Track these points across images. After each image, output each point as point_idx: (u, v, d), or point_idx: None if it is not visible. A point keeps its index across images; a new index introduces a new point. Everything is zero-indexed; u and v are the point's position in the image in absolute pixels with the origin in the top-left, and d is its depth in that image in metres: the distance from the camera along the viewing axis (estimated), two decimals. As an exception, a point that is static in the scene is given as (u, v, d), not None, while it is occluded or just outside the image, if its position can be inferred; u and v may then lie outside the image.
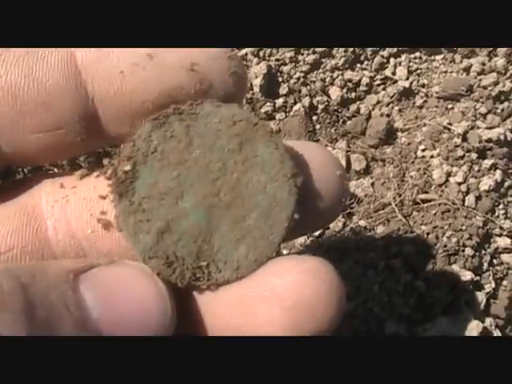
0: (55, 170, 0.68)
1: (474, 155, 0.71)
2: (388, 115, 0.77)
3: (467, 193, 0.70)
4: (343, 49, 0.75)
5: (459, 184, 0.70)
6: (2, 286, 0.22)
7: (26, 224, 0.28)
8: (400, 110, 0.77)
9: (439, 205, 0.69)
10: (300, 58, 0.75)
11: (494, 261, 0.69)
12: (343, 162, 0.74)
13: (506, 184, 0.71)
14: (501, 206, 0.71)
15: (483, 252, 0.68)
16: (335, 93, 0.76)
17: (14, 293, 0.22)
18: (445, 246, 0.66)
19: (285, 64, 0.75)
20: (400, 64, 0.78)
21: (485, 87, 0.74)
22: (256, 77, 0.73)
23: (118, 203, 0.28)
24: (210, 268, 0.28)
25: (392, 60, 0.77)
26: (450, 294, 0.65)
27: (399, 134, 0.76)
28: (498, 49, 0.75)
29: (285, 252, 0.67)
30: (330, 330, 0.27)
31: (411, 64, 0.77)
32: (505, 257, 0.69)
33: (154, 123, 0.28)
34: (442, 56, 0.77)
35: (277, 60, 0.75)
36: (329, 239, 0.69)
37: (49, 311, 0.23)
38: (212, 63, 0.28)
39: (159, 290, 0.26)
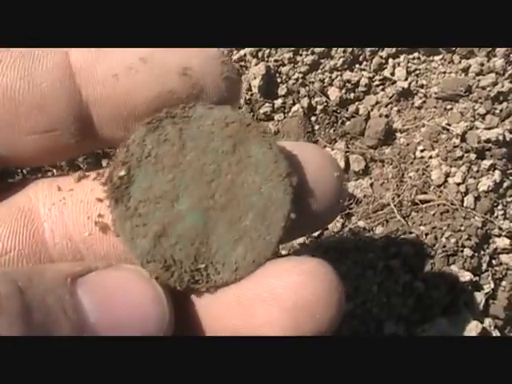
0: (54, 170, 0.68)
1: (472, 156, 0.71)
2: (387, 116, 0.77)
3: (466, 193, 0.70)
4: (342, 49, 0.75)
5: (458, 184, 0.70)
6: None
7: (22, 227, 0.28)
8: (399, 111, 0.77)
9: (438, 205, 0.69)
10: (299, 58, 0.75)
11: (493, 261, 0.69)
12: (342, 163, 0.74)
13: (505, 184, 0.71)
14: (500, 207, 0.70)
15: (482, 252, 0.68)
16: (334, 93, 0.76)
17: (11, 297, 0.22)
18: (444, 247, 0.66)
19: (283, 65, 0.75)
20: (399, 65, 0.78)
21: (483, 88, 0.74)
22: (255, 77, 0.73)
23: (114, 209, 0.28)
24: (209, 270, 0.28)
25: (391, 61, 0.77)
26: (448, 295, 0.65)
27: (398, 134, 0.76)
28: (497, 49, 0.75)
29: (284, 253, 0.67)
30: (330, 330, 0.27)
31: (410, 65, 0.77)
32: (504, 257, 0.69)
33: (147, 127, 0.28)
34: (440, 56, 0.77)
35: (275, 61, 0.75)
36: (328, 240, 0.69)
37: (46, 315, 0.23)
38: (205, 68, 0.28)
39: (157, 293, 0.26)
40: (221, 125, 0.28)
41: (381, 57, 0.77)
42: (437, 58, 0.77)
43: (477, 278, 0.66)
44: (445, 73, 0.77)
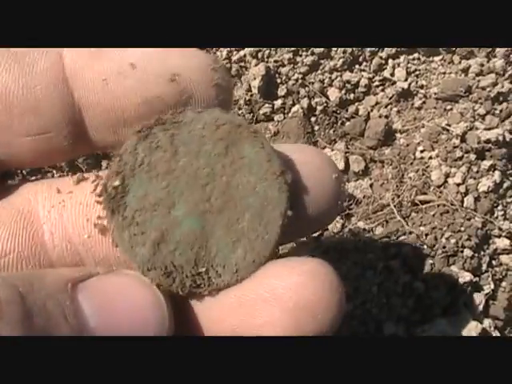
0: (54, 171, 0.68)
1: (472, 156, 0.71)
2: (387, 116, 0.77)
3: (466, 194, 0.69)
4: (342, 50, 0.75)
5: (458, 185, 0.70)
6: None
7: (22, 229, 0.28)
8: (399, 111, 0.77)
9: (438, 206, 0.69)
10: (298, 59, 0.75)
11: (493, 262, 0.69)
12: (342, 164, 0.74)
13: (505, 185, 0.71)
14: (500, 207, 0.70)
15: (482, 253, 0.68)
16: (334, 94, 0.76)
17: (12, 302, 0.22)
18: (443, 247, 0.66)
19: (283, 65, 0.75)
20: (398, 65, 0.78)
21: (483, 88, 0.74)
22: (254, 78, 0.73)
23: (111, 219, 0.28)
24: (210, 273, 0.28)
25: (390, 61, 0.77)
26: (448, 295, 0.65)
27: (398, 135, 0.76)
28: (497, 50, 0.75)
29: (284, 254, 0.67)
30: (331, 330, 0.27)
31: (410, 65, 0.77)
32: (504, 258, 0.69)
33: (138, 136, 0.28)
34: (440, 57, 0.77)
35: (275, 61, 0.75)
36: (327, 240, 0.69)
37: (46, 320, 0.23)
38: (194, 74, 0.28)
39: (156, 298, 0.26)
40: (211, 128, 0.28)
41: (380, 57, 0.77)
42: (437, 58, 0.77)
43: (477, 278, 0.66)
44: (445, 73, 0.77)
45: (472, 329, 0.62)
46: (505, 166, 0.72)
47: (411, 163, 0.73)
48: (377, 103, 0.77)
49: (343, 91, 0.76)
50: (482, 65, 0.75)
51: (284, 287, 0.27)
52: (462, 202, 0.69)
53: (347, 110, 0.77)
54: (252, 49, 0.73)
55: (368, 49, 0.76)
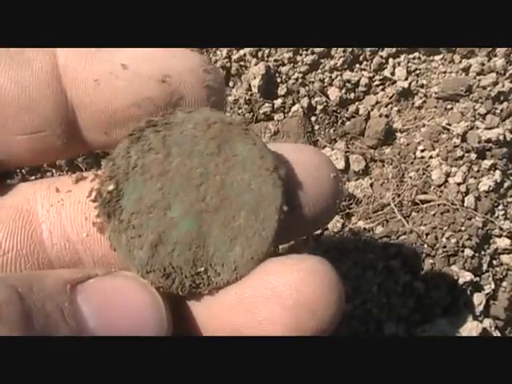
0: (53, 170, 0.68)
1: (473, 156, 0.70)
2: (387, 116, 0.77)
3: (466, 193, 0.69)
4: (342, 49, 0.75)
5: (458, 184, 0.70)
6: None
7: (21, 228, 0.28)
8: (399, 111, 0.77)
9: (438, 205, 0.69)
10: (298, 58, 0.75)
11: (494, 262, 0.68)
12: (342, 163, 0.73)
13: (506, 184, 0.71)
14: (500, 207, 0.70)
15: (483, 253, 0.68)
16: (334, 93, 0.76)
17: (11, 303, 0.22)
18: (444, 247, 0.66)
19: (283, 64, 0.75)
20: (399, 64, 0.77)
21: (484, 87, 0.74)
22: (254, 77, 0.73)
23: (107, 224, 0.28)
24: (209, 273, 0.28)
25: (391, 60, 0.77)
26: (449, 295, 0.65)
27: (398, 134, 0.76)
28: (498, 49, 0.75)
29: (283, 252, 0.67)
30: (331, 328, 0.27)
31: (410, 64, 0.77)
32: (504, 258, 0.69)
33: (130, 139, 0.28)
34: (441, 56, 0.77)
35: (275, 60, 0.74)
36: (328, 240, 0.69)
37: (45, 321, 0.23)
38: (185, 76, 0.28)
39: (155, 300, 0.27)
40: (203, 127, 0.28)
41: (381, 56, 0.77)
42: (437, 57, 0.77)
43: (477, 278, 0.66)
44: (445, 72, 0.77)
45: (472, 329, 0.62)
46: (505, 165, 0.72)
47: (411, 163, 0.73)
48: (377, 102, 0.77)
49: (343, 90, 0.76)
50: (483, 64, 0.74)
51: (284, 284, 0.27)
52: (463, 201, 0.69)
53: (347, 110, 0.77)
54: (252, 48, 0.73)
55: (368, 48, 0.76)
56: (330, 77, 0.76)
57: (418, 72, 0.77)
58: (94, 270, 0.27)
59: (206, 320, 0.29)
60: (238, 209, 0.28)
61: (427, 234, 0.67)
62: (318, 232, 0.69)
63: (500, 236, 0.69)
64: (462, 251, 0.66)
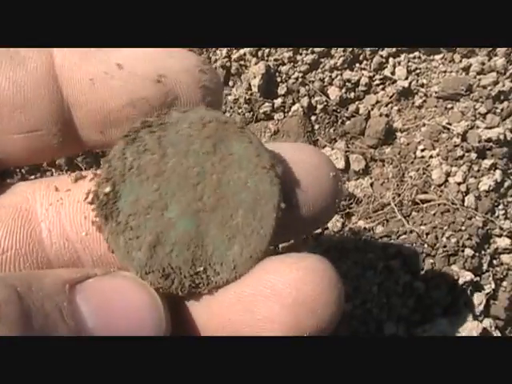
0: (53, 170, 0.68)
1: (473, 155, 0.70)
2: (387, 115, 0.77)
3: (467, 193, 0.69)
4: (342, 49, 0.75)
5: (459, 184, 0.70)
6: None
7: (20, 227, 0.28)
8: (399, 110, 0.77)
9: (438, 205, 0.69)
10: (298, 57, 0.75)
11: (494, 261, 0.68)
12: (342, 163, 0.73)
13: (506, 184, 0.71)
14: (501, 207, 0.70)
15: (483, 252, 0.67)
16: (334, 93, 0.76)
17: (10, 302, 0.22)
18: (444, 247, 0.66)
19: (283, 64, 0.75)
20: (399, 64, 0.77)
21: (484, 87, 0.74)
22: (254, 77, 0.73)
23: (104, 226, 0.28)
24: (208, 272, 0.28)
25: (391, 60, 0.77)
26: (449, 295, 0.65)
27: (398, 134, 0.76)
28: (498, 48, 0.74)
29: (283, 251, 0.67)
30: (330, 327, 0.27)
31: (410, 64, 0.77)
32: (505, 257, 0.69)
33: (125, 140, 0.28)
34: (441, 56, 0.77)
35: (275, 60, 0.74)
36: (328, 239, 0.68)
37: (44, 320, 0.23)
38: (180, 76, 0.28)
39: (153, 300, 0.27)
40: (198, 126, 0.28)
41: (381, 56, 0.77)
42: (437, 57, 0.77)
43: (477, 278, 0.66)
44: (445, 72, 0.76)
45: (473, 329, 0.62)
46: (506, 165, 0.72)
47: (412, 162, 0.73)
48: (377, 102, 0.77)
49: (343, 90, 0.76)
50: (483, 63, 0.74)
51: (283, 283, 0.27)
52: (463, 201, 0.69)
53: (347, 109, 0.77)
54: (252, 47, 0.73)
55: (368, 48, 0.76)
56: (330, 76, 0.76)
57: (418, 71, 0.77)
58: (93, 270, 0.27)
59: (206, 319, 0.29)
60: (235, 207, 0.28)
61: (427, 234, 0.67)
62: (318, 231, 0.69)
63: (500, 236, 0.69)
64: (463, 251, 0.66)
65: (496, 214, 0.70)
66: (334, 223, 0.69)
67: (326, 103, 0.75)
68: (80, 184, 0.30)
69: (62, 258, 0.29)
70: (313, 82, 0.75)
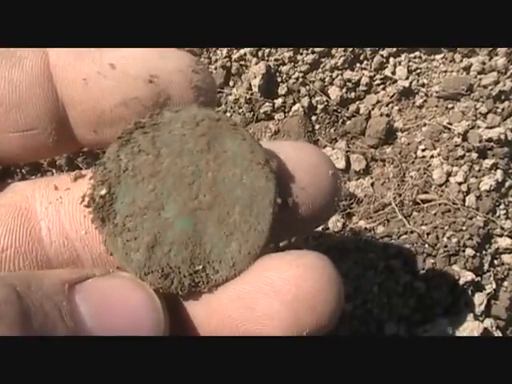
0: (53, 170, 0.68)
1: (474, 155, 0.70)
2: (388, 115, 0.76)
3: (468, 193, 0.69)
4: (342, 48, 0.75)
5: (459, 184, 0.69)
6: None
7: (19, 225, 0.28)
8: (400, 110, 0.77)
9: (439, 205, 0.69)
10: (299, 57, 0.75)
11: (495, 261, 0.68)
12: (343, 162, 0.73)
13: (507, 184, 0.71)
14: (502, 206, 0.70)
15: (484, 252, 0.67)
16: (334, 93, 0.76)
17: (9, 301, 0.22)
18: (445, 247, 0.66)
19: (284, 64, 0.75)
20: (400, 63, 0.77)
21: (485, 86, 0.74)
22: (255, 77, 0.73)
23: (102, 228, 0.28)
24: (207, 270, 0.28)
25: (391, 59, 0.77)
26: (450, 295, 0.65)
27: (399, 133, 0.76)
28: (499, 48, 0.74)
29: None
30: (330, 324, 0.27)
31: (411, 63, 0.77)
32: (506, 257, 0.69)
33: (119, 142, 0.28)
34: (441, 55, 0.77)
35: (276, 60, 0.74)
36: (328, 239, 0.68)
37: (43, 320, 0.23)
38: (172, 76, 0.29)
39: (152, 300, 0.27)
40: (191, 125, 0.28)
41: (382, 56, 0.77)
42: (438, 56, 0.77)
43: (478, 278, 0.65)
44: (446, 71, 0.76)
45: (474, 329, 0.61)
46: (507, 164, 0.72)
47: (412, 162, 0.73)
48: (378, 102, 0.77)
49: (344, 90, 0.76)
50: (484, 63, 0.74)
51: (283, 280, 0.27)
52: (464, 200, 0.69)
53: (348, 109, 0.77)
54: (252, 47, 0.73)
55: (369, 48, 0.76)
56: (331, 76, 0.76)
57: (418, 71, 0.77)
58: (92, 271, 0.27)
59: (205, 317, 0.29)
60: (231, 204, 0.28)
61: (428, 234, 0.67)
62: (319, 231, 0.69)
63: (501, 235, 0.69)
64: (463, 251, 0.66)
65: (497, 214, 0.70)
66: (335, 223, 0.69)
67: (326, 103, 0.75)
68: (80, 183, 0.30)
69: (61, 257, 0.29)
70: (313, 81, 0.75)
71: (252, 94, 0.73)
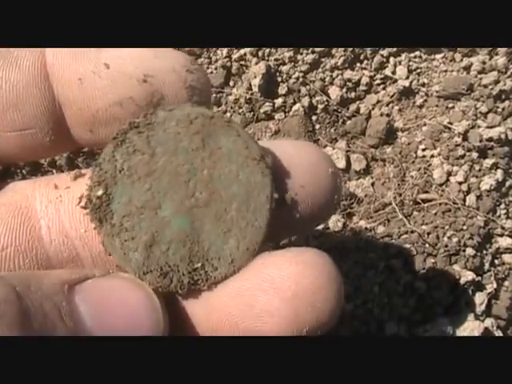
0: (54, 170, 0.68)
1: (474, 154, 0.70)
2: (388, 115, 0.76)
3: (468, 192, 0.69)
4: (343, 48, 0.75)
5: (460, 183, 0.69)
6: None
7: (19, 224, 0.28)
8: (400, 110, 0.77)
9: (440, 204, 0.69)
10: (299, 57, 0.75)
11: (496, 261, 0.68)
12: (343, 162, 0.73)
13: (508, 183, 0.71)
14: (502, 206, 0.70)
15: (484, 252, 0.67)
16: (335, 92, 0.76)
17: (9, 301, 0.22)
18: (446, 246, 0.65)
19: (284, 64, 0.75)
20: (400, 63, 0.77)
21: (485, 86, 0.73)
22: (255, 77, 0.73)
23: (99, 229, 0.28)
24: (206, 268, 0.28)
25: (392, 59, 0.77)
26: (450, 295, 0.65)
27: (399, 133, 0.76)
28: (499, 47, 0.74)
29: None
30: (330, 321, 0.27)
31: (411, 63, 0.77)
32: (506, 257, 0.68)
33: (114, 142, 0.28)
34: (442, 55, 0.77)
35: (276, 60, 0.74)
36: (329, 239, 0.68)
37: (43, 320, 0.23)
38: (166, 76, 0.29)
39: (151, 301, 0.27)
40: (185, 123, 0.28)
41: (382, 55, 0.77)
42: (438, 56, 0.77)
43: (479, 277, 0.65)
44: (446, 71, 0.76)
45: (474, 328, 0.61)
46: (507, 164, 0.72)
47: (413, 162, 0.73)
48: (378, 101, 0.77)
49: (344, 89, 0.76)
50: (484, 63, 0.74)
51: (282, 277, 0.27)
52: (464, 200, 0.69)
53: (348, 109, 0.77)
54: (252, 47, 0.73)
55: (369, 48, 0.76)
56: (331, 76, 0.76)
57: (419, 71, 0.77)
58: (92, 271, 0.27)
59: (205, 314, 0.29)
60: (228, 201, 0.28)
61: (428, 234, 0.67)
62: (319, 231, 0.69)
63: (502, 235, 0.69)
64: (464, 250, 0.66)
65: (497, 214, 0.70)
66: (335, 223, 0.69)
67: (326, 103, 0.75)
68: (79, 182, 0.30)
69: (61, 255, 0.29)
70: (313, 81, 0.75)
71: (252, 94, 0.73)
